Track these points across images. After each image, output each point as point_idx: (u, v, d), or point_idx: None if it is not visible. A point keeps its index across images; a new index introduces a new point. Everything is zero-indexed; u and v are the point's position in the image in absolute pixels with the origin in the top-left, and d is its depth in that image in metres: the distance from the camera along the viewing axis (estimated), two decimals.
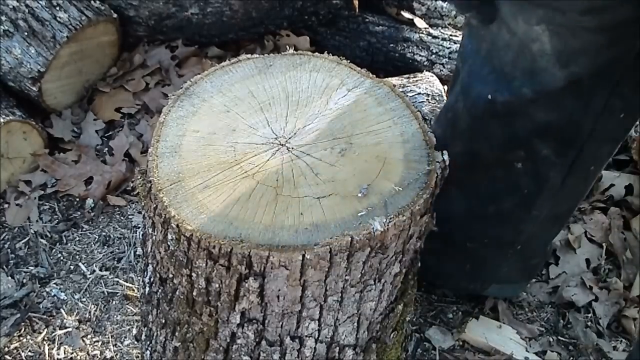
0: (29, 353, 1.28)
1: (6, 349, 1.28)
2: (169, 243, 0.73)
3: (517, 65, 0.96)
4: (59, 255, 1.47)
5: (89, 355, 1.28)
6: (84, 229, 1.52)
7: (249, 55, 0.91)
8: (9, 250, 1.46)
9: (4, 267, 1.43)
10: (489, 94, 1.00)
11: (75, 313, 1.36)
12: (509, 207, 1.12)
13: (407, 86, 1.53)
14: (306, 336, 0.78)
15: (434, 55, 1.79)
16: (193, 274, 0.73)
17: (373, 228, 0.69)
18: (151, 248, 0.80)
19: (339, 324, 0.78)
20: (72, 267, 1.45)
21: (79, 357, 1.28)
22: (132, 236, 1.50)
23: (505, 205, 1.12)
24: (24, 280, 1.41)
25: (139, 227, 1.51)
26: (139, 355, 1.27)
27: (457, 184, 1.15)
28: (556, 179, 1.06)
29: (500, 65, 0.99)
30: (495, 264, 1.23)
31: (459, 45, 1.77)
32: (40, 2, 1.59)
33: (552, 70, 0.93)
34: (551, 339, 1.37)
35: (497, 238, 1.18)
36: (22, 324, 1.33)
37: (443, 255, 1.26)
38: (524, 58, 0.95)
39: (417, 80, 1.56)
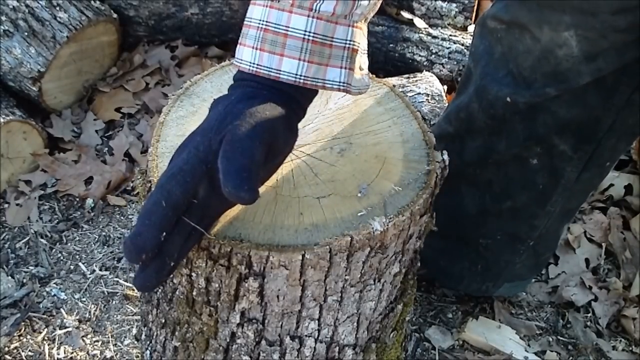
0: (29, 353, 1.28)
1: (6, 348, 1.28)
2: None
3: (537, 70, 0.96)
4: (59, 255, 1.47)
5: (89, 355, 1.29)
6: (84, 229, 1.52)
7: None
8: (9, 250, 1.47)
9: (4, 266, 1.43)
10: (508, 97, 1.00)
11: (75, 313, 1.36)
12: (523, 202, 1.12)
13: (407, 86, 1.54)
14: (306, 336, 0.78)
15: (433, 55, 1.79)
16: (193, 273, 0.73)
17: (373, 228, 0.69)
18: None
19: (339, 324, 0.78)
20: (72, 266, 1.45)
21: (79, 357, 1.28)
22: None
23: (520, 201, 1.12)
24: (24, 280, 1.41)
25: None
26: (139, 354, 1.28)
27: (470, 180, 1.15)
28: (572, 174, 1.06)
29: (518, 69, 0.98)
30: (509, 261, 1.23)
31: (459, 44, 1.78)
32: (40, 2, 1.60)
33: (578, 68, 0.92)
34: (551, 339, 1.37)
35: (511, 234, 1.18)
36: (22, 323, 1.33)
37: (454, 256, 1.26)
38: (546, 63, 0.94)
39: (416, 80, 1.57)
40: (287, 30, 0.64)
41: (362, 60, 0.69)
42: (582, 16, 0.87)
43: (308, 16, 0.63)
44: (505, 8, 0.98)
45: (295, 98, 0.68)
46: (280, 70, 0.64)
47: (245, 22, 0.67)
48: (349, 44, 0.66)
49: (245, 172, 0.59)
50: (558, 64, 0.93)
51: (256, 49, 0.65)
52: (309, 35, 0.64)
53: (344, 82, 0.67)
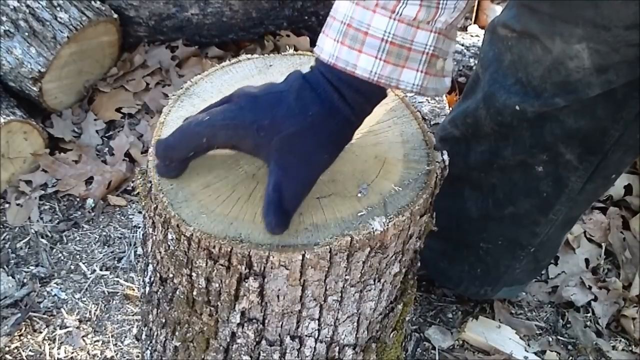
0: (30, 352, 1.29)
1: (7, 348, 1.29)
2: (169, 243, 0.73)
3: (547, 80, 0.95)
4: (60, 255, 1.47)
5: (89, 354, 1.29)
6: (85, 229, 1.52)
7: (249, 56, 0.91)
8: (9, 250, 1.47)
9: (5, 266, 1.43)
10: (517, 105, 0.99)
11: (75, 313, 1.36)
12: (526, 209, 1.12)
13: None
14: (306, 336, 0.78)
15: None
16: (193, 273, 0.73)
17: (373, 228, 0.69)
18: (151, 248, 0.80)
19: (339, 324, 0.79)
20: (72, 266, 1.45)
21: (79, 357, 1.28)
22: (133, 236, 1.51)
23: (523, 208, 1.12)
24: (25, 280, 1.41)
25: (139, 227, 1.51)
26: (139, 354, 1.28)
27: (474, 184, 1.15)
28: (576, 184, 1.06)
29: (528, 78, 0.97)
30: (509, 266, 1.23)
31: (458, 44, 1.77)
32: (41, 2, 1.60)
33: (588, 80, 0.92)
34: (550, 339, 1.37)
35: (512, 240, 1.18)
36: (23, 323, 1.33)
37: (454, 259, 1.26)
38: (556, 74, 0.94)
39: None
40: (369, 29, 0.65)
41: (446, 64, 0.70)
42: (595, 30, 0.87)
43: (390, 18, 0.65)
44: (517, 17, 0.97)
45: (363, 97, 0.70)
46: (356, 66, 0.66)
47: (330, 13, 0.69)
48: (429, 49, 0.67)
49: (289, 216, 0.69)
50: (568, 75, 0.93)
51: (337, 41, 0.67)
52: (388, 36, 0.65)
53: (418, 85, 0.68)
